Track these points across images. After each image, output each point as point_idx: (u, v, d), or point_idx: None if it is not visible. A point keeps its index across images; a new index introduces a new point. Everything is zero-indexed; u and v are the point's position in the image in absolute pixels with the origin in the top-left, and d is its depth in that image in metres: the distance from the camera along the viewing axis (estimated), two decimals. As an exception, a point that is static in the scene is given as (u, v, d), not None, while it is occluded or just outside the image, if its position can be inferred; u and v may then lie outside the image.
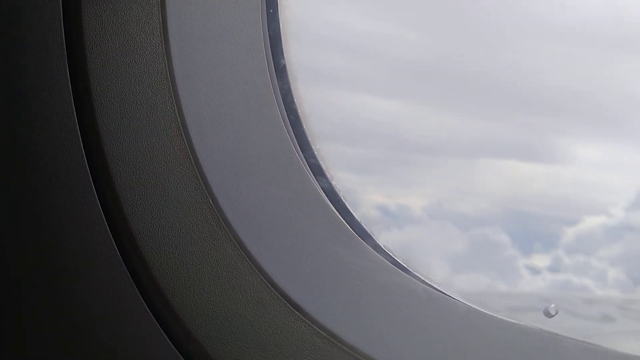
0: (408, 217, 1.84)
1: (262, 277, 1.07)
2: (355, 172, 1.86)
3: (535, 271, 1.89)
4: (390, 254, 1.18)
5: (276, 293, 1.07)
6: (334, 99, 1.79)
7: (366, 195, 1.79)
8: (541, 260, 1.91)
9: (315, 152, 1.20)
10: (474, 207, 1.93)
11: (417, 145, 2.03)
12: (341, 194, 1.19)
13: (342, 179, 1.73)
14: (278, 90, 1.18)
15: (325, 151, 1.52)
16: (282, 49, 1.18)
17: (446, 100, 1.88)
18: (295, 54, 1.53)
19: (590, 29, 1.79)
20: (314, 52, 1.67)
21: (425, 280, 1.16)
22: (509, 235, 1.92)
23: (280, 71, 1.18)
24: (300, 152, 1.18)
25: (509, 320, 1.11)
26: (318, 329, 1.06)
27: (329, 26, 1.72)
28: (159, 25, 1.08)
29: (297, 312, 1.06)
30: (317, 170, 1.19)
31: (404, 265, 1.17)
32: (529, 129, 1.95)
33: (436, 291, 1.14)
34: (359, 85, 1.83)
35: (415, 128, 1.97)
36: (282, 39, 1.18)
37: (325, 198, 1.17)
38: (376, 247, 1.17)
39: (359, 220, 1.18)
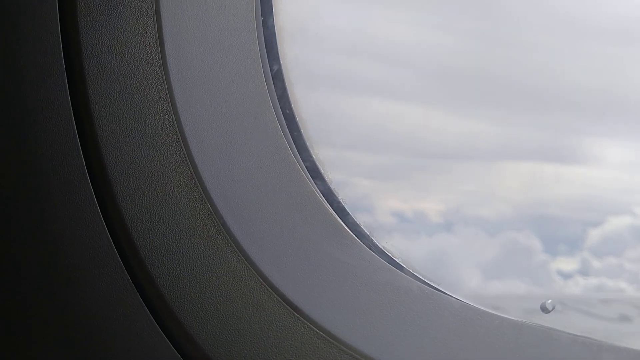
0: (425, 223, 1.83)
1: (261, 280, 1.09)
2: (372, 179, 1.85)
3: (567, 275, 1.85)
4: (387, 253, 1.18)
5: (275, 295, 1.08)
6: (353, 105, 1.79)
7: (382, 201, 1.78)
8: (567, 263, 1.88)
9: (312, 156, 1.21)
10: (492, 211, 1.91)
11: (437, 150, 2.01)
12: (339, 197, 1.20)
13: (358, 185, 1.72)
14: (275, 95, 1.20)
15: (343, 158, 1.52)
16: (277, 55, 1.20)
17: (470, 103, 1.87)
18: (315, 60, 1.54)
19: (622, 26, 1.76)
20: (336, 57, 1.68)
21: (421, 278, 1.16)
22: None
23: (275, 77, 1.19)
24: (298, 156, 1.20)
25: (503, 315, 1.11)
26: (317, 330, 1.07)
27: (353, 32, 1.73)
28: (154, 36, 1.10)
29: (296, 313, 1.08)
30: (315, 174, 1.21)
31: (401, 264, 1.18)
32: (556, 130, 1.91)
33: (431, 288, 1.14)
34: (379, 91, 1.83)
35: (436, 133, 1.95)
36: (278, 45, 1.20)
37: (323, 200, 1.18)
38: (372, 247, 1.18)
39: (356, 221, 1.19)
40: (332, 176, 1.24)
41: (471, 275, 1.78)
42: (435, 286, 1.15)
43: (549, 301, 1.21)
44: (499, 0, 1.80)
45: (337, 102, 1.74)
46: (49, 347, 1.11)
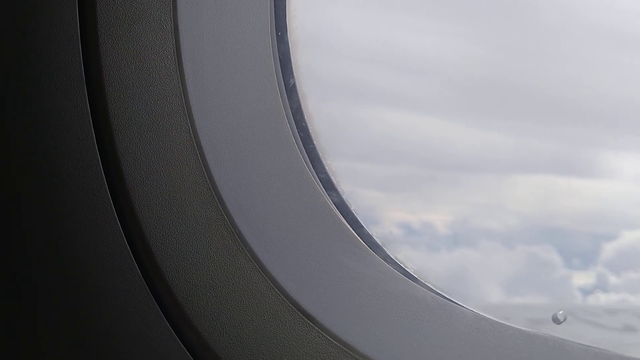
0: (432, 235, 1.82)
1: (276, 290, 1.10)
2: (381, 190, 1.85)
3: (586, 291, 1.83)
4: (400, 264, 1.20)
5: (290, 305, 1.10)
6: (367, 116, 1.79)
7: (389, 212, 1.79)
8: (581, 278, 1.86)
9: (326, 168, 1.23)
10: (500, 224, 1.90)
11: (450, 162, 2.00)
12: (352, 208, 1.22)
13: (366, 196, 1.73)
14: (290, 108, 1.22)
15: (353, 169, 1.53)
16: (293, 69, 1.22)
17: (487, 114, 1.85)
18: (332, 70, 1.55)
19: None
20: (354, 67, 1.69)
21: (434, 289, 1.18)
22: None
23: (291, 90, 1.22)
24: (312, 168, 1.22)
25: (516, 326, 1.12)
26: (332, 339, 1.09)
27: (374, 42, 1.73)
28: (172, 50, 1.12)
29: (310, 322, 1.09)
30: (328, 185, 1.23)
31: (414, 275, 1.19)
32: (572, 142, 1.90)
33: (443, 299, 1.16)
34: (396, 101, 1.83)
35: (450, 144, 1.94)
36: (293, 58, 1.22)
37: (337, 211, 1.20)
38: (386, 258, 1.20)
39: (369, 232, 1.21)
40: (340, 187, 1.26)
41: (489, 290, 1.77)
42: (448, 297, 1.17)
43: (560, 312, 1.22)
44: (522, 10, 1.79)
45: (351, 112, 1.74)
46: (65, 353, 1.13)
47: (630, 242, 1.83)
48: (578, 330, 1.46)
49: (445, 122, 1.89)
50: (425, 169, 1.97)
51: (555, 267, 1.80)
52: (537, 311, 1.69)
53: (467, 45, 1.80)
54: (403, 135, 1.89)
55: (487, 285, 1.81)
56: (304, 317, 1.09)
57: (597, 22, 1.75)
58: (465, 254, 1.86)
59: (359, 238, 1.20)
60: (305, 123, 1.23)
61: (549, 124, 1.86)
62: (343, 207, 1.22)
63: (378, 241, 1.21)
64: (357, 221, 1.22)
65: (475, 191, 1.95)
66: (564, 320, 1.22)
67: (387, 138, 1.87)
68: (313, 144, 1.23)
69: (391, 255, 1.21)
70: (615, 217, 1.89)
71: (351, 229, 1.20)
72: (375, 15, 1.76)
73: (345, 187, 1.27)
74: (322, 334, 1.09)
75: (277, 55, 1.21)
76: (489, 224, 1.92)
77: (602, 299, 1.75)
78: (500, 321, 1.12)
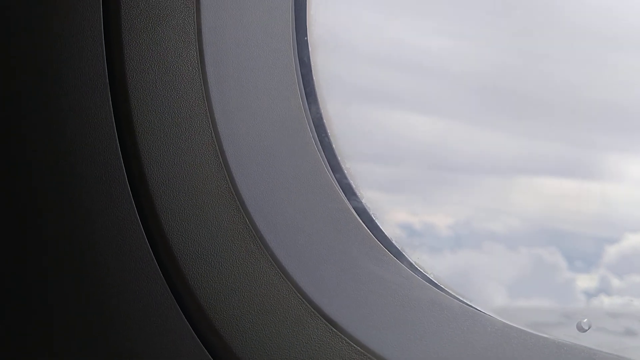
0: (434, 236, 1.82)
1: (298, 294, 1.11)
2: (383, 191, 1.85)
3: (590, 294, 1.84)
4: (422, 270, 1.20)
5: (312, 309, 1.10)
6: (374, 117, 1.79)
7: (391, 214, 1.78)
8: (584, 281, 1.86)
9: (346, 173, 1.23)
10: (503, 226, 1.91)
11: (454, 164, 1.99)
12: (371, 212, 1.22)
13: (368, 197, 1.72)
14: (310, 113, 1.22)
15: (355, 170, 1.53)
16: (312, 74, 1.22)
17: (493, 116, 1.85)
18: (348, 74, 1.55)
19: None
20: (360, 68, 1.69)
21: (458, 297, 1.18)
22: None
23: (312, 94, 1.22)
24: (332, 173, 1.22)
25: (543, 335, 1.12)
26: (354, 345, 1.09)
27: (382, 43, 1.73)
28: (195, 53, 1.12)
29: (333, 328, 1.09)
30: (349, 190, 1.23)
31: (436, 282, 1.20)
32: (578, 145, 1.90)
33: (470, 307, 1.16)
34: (401, 102, 1.82)
35: (455, 146, 1.94)
36: (313, 61, 1.22)
37: (357, 217, 1.20)
38: (409, 264, 1.20)
39: (390, 238, 1.21)
40: (360, 192, 1.26)
41: (493, 293, 1.77)
42: (473, 305, 1.17)
43: (585, 320, 1.22)
44: (528, 13, 1.78)
45: (352, 113, 1.74)
46: (84, 354, 1.13)
47: (633, 245, 1.84)
48: (578, 333, 1.47)
49: (448, 124, 1.89)
50: (428, 170, 1.96)
51: (559, 269, 1.81)
52: (541, 314, 1.70)
53: (472, 47, 1.80)
54: (405, 136, 1.89)
55: (491, 288, 1.81)
56: (327, 322, 1.09)
57: (604, 24, 1.76)
58: (468, 256, 1.86)
59: (381, 244, 1.20)
60: (327, 128, 1.23)
61: (553, 126, 1.87)
62: (364, 213, 1.22)
63: (399, 247, 1.22)
64: (378, 227, 1.22)
65: (479, 193, 1.95)
66: (589, 328, 1.22)
67: (389, 139, 1.87)
68: (334, 148, 1.23)
69: (413, 262, 1.21)
70: (618, 220, 1.89)
71: (372, 235, 1.20)
72: (377, 15, 1.76)
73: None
74: (344, 340, 1.09)
75: (299, 59, 1.21)
76: (492, 226, 1.92)
77: (606, 302, 1.75)
78: (529, 330, 1.13)
